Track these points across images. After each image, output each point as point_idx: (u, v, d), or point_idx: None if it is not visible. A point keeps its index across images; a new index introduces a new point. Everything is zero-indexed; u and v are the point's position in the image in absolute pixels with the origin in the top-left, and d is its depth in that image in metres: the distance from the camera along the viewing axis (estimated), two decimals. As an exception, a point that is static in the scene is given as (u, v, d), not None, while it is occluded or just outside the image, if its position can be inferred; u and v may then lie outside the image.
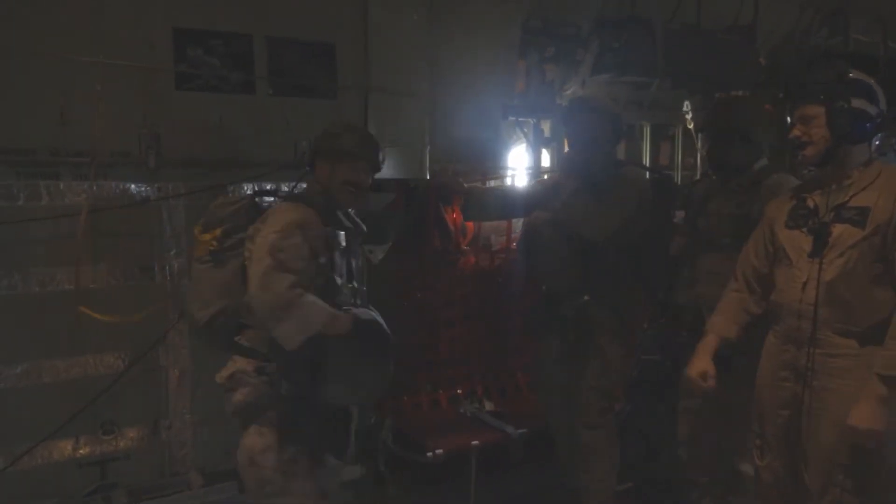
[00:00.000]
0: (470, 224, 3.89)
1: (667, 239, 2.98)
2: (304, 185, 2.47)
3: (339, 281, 2.24)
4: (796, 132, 2.23)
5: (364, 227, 2.44)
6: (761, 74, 4.72)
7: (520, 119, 4.20)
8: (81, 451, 3.03)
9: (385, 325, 2.34)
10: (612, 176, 2.75)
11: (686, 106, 4.42)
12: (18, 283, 2.84)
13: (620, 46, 4.16)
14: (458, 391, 3.96)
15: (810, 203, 2.26)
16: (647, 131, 4.73)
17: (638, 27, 4.17)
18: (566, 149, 4.42)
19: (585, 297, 2.74)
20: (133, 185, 3.02)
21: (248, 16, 3.16)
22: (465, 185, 3.41)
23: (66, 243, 2.84)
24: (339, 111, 3.41)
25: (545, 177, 4.06)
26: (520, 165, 4.26)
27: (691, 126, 4.53)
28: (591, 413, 2.82)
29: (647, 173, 3.21)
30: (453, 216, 3.85)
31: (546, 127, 4.32)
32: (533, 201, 2.98)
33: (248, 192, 2.99)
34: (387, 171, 3.55)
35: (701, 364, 2.40)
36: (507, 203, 3.24)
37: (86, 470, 3.04)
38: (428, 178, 3.71)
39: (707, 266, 2.77)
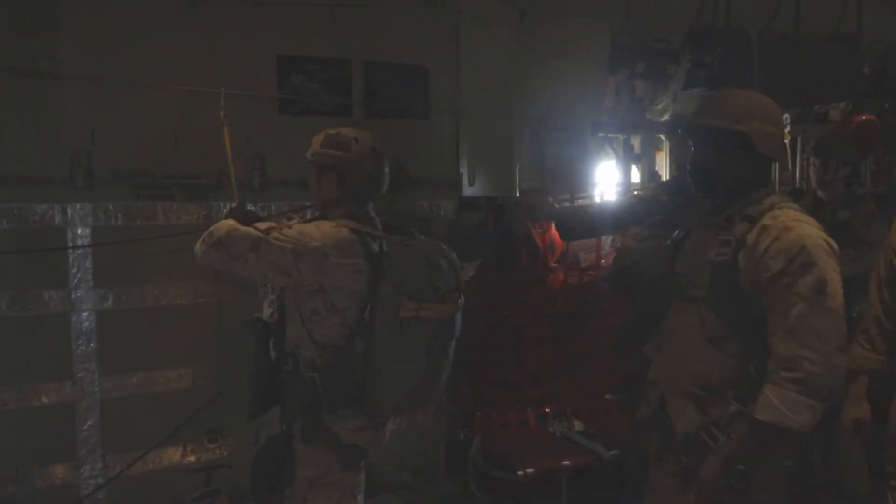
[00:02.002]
0: (559, 241, 3.87)
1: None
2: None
3: None
4: None
5: None
6: (865, 84, 4.50)
7: (609, 135, 4.16)
8: (188, 458, 3.18)
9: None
10: None
11: (785, 119, 4.25)
12: (136, 298, 3.04)
13: (713, 60, 4.06)
14: (547, 410, 3.92)
15: None
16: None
17: (732, 39, 4.07)
18: (656, 165, 4.37)
19: None
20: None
21: (346, 42, 3.29)
22: (558, 206, 3.39)
23: (179, 260, 3.01)
24: (432, 132, 3.49)
25: (635, 192, 4.00)
26: (608, 182, 4.22)
27: (787, 140, 4.36)
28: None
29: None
30: (541, 233, 3.85)
31: (636, 143, 4.26)
32: (630, 217, 2.93)
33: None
34: (477, 190, 3.62)
35: (855, 411, 2.38)
36: (604, 219, 3.20)
37: (192, 476, 3.19)
38: (517, 195, 3.73)
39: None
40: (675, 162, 3.07)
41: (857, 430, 2.30)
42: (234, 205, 2.38)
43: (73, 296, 2.92)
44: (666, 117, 4.24)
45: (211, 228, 2.11)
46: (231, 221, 2.12)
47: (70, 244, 2.90)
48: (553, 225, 3.68)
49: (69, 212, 2.90)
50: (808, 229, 1.85)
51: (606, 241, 3.94)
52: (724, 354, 1.92)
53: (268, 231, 2.04)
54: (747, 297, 1.87)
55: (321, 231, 2.05)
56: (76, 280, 2.93)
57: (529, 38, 3.61)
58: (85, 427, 2.99)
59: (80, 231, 2.92)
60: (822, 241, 1.84)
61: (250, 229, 2.06)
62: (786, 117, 4.25)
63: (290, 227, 2.09)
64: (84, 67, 2.86)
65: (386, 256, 2.07)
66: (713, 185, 2.01)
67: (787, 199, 1.99)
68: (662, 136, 4.32)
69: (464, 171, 3.56)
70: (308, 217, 3.21)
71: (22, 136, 2.80)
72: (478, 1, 3.52)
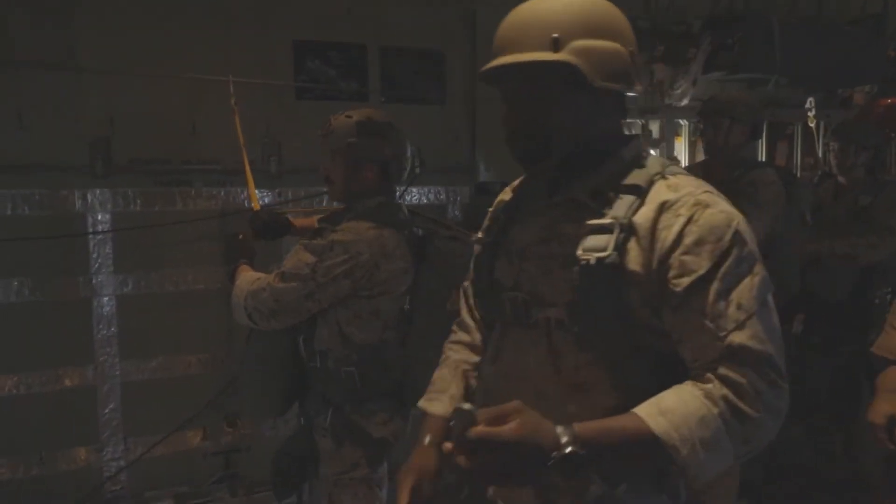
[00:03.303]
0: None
1: (796, 246, 2.82)
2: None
3: None
4: None
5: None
6: (891, 68, 4.40)
7: (627, 120, 4.11)
8: (207, 442, 3.22)
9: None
10: (744, 180, 2.63)
11: (809, 103, 4.18)
12: (154, 283, 3.07)
13: (734, 43, 3.99)
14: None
15: None
16: (762, 130, 4.51)
17: (754, 22, 4.00)
18: (676, 151, 4.32)
19: None
20: (256, 191, 3.19)
21: (362, 27, 3.28)
22: None
23: (198, 246, 3.03)
24: (448, 117, 3.48)
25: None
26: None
27: (812, 124, 4.29)
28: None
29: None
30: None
31: (655, 127, 4.21)
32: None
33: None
34: (494, 176, 3.61)
35: (887, 406, 1.91)
36: None
37: (211, 459, 3.23)
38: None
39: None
40: (705, 148, 2.96)
41: (890, 427, 2.08)
42: (253, 212, 2.26)
43: (93, 281, 2.96)
44: (685, 102, 4.19)
45: (246, 294, 1.91)
46: (253, 276, 1.97)
47: (90, 230, 2.93)
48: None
49: (89, 198, 2.93)
50: (727, 206, 1.16)
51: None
52: (590, 409, 1.13)
53: (313, 268, 1.86)
54: (638, 315, 1.14)
55: (364, 238, 1.89)
56: (97, 265, 2.97)
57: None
58: (106, 410, 3.04)
59: (100, 217, 2.95)
60: (746, 223, 1.16)
61: (291, 283, 1.87)
62: (810, 101, 4.18)
63: (328, 245, 1.88)
64: (101, 56, 2.88)
65: (433, 249, 1.97)
66: (543, 149, 1.24)
67: (670, 160, 1.32)
68: (682, 121, 4.27)
69: (480, 156, 3.54)
70: (324, 205, 3.26)
71: (43, 125, 2.83)
72: (494, -14, 3.49)
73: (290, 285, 1.87)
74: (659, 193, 1.16)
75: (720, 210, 1.13)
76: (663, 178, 1.18)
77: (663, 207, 1.14)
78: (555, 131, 1.22)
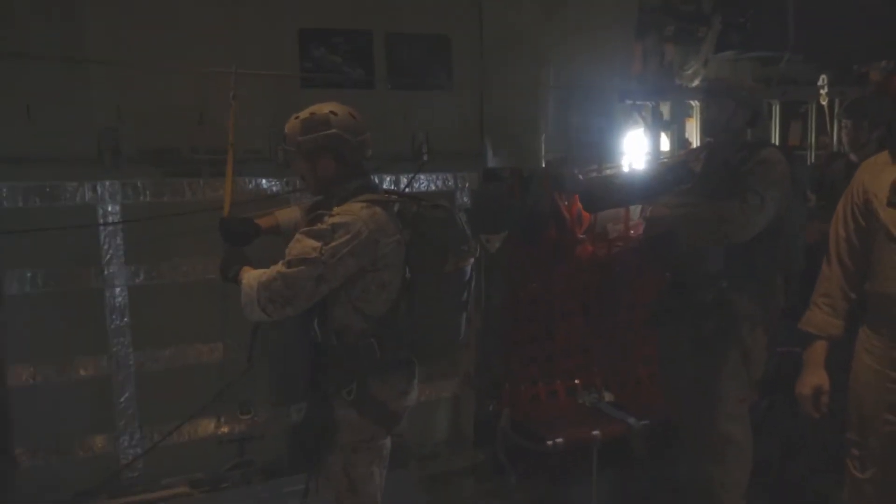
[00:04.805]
0: (586, 213, 3.81)
1: (802, 223, 2.79)
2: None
3: None
4: None
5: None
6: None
7: (637, 102, 4.07)
8: (222, 430, 3.25)
9: None
10: (754, 159, 2.60)
11: (822, 80, 4.11)
12: (166, 272, 3.09)
13: (746, 21, 3.93)
14: (577, 381, 3.91)
15: None
16: (775, 109, 4.44)
17: (766, -1, 3.94)
18: (687, 132, 4.27)
19: (724, 283, 2.62)
20: (264, 180, 3.20)
21: (368, 13, 3.26)
22: (582, 178, 3.32)
23: (208, 236, 3.04)
24: (455, 102, 3.45)
25: (664, 160, 3.91)
26: (637, 150, 4.13)
27: (825, 102, 4.22)
28: (729, 403, 2.70)
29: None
30: (567, 205, 3.79)
31: (665, 109, 4.16)
32: (659, 186, 2.87)
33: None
34: (502, 161, 3.59)
35: (814, 378, 2.20)
36: (631, 189, 3.12)
37: (225, 447, 3.26)
38: (543, 166, 3.68)
39: None
40: (706, 127, 2.96)
41: (817, 399, 2.22)
42: (221, 219, 2.32)
43: (105, 272, 2.98)
44: (697, 82, 4.14)
45: (257, 287, 1.99)
46: (259, 271, 2.04)
47: (101, 221, 2.95)
48: (577, 197, 3.63)
49: (98, 189, 2.94)
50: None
51: (635, 211, 3.88)
52: None
53: (320, 251, 1.96)
54: None
55: (360, 217, 2.01)
56: (108, 256, 2.98)
57: (554, 4, 3.54)
58: (122, 399, 3.07)
59: (109, 208, 2.97)
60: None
61: (300, 268, 1.96)
62: (823, 78, 4.10)
63: (330, 229, 1.99)
64: (108, 48, 2.88)
65: (422, 220, 2.10)
66: None
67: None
68: (693, 103, 4.22)
69: (488, 141, 3.52)
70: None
71: (50, 116, 2.84)
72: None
73: (299, 269, 1.97)
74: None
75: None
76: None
77: None
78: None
